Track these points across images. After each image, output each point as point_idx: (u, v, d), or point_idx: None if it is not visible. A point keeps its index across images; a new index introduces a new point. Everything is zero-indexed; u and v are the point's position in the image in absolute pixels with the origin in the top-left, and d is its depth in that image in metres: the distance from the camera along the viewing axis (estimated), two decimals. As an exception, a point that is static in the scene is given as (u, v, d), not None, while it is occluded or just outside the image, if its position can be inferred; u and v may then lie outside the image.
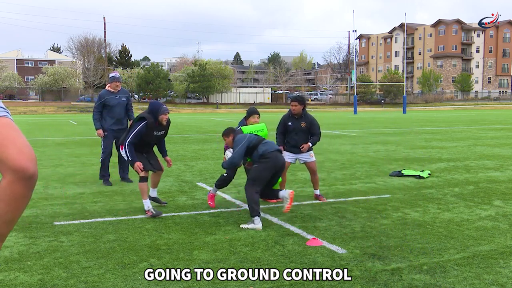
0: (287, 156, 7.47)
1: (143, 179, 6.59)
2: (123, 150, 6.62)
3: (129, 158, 6.53)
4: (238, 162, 6.33)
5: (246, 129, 6.87)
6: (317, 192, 7.62)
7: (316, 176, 7.61)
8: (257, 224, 5.86)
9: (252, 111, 7.48)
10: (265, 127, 7.02)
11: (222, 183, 7.02)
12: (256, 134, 6.53)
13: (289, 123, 7.46)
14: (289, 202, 5.98)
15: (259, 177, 6.04)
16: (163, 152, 7.26)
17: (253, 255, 4.91)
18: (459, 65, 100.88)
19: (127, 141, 6.55)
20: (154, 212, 6.45)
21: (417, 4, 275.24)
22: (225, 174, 6.98)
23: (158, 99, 69.01)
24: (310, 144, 7.39)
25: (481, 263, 4.65)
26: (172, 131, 23.26)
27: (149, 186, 7.06)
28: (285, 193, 6.07)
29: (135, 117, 7.14)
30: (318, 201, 7.45)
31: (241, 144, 6.22)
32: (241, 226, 5.93)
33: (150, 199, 6.90)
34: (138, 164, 6.48)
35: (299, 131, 7.40)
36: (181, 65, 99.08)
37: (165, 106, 6.84)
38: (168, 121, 6.94)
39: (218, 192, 8.12)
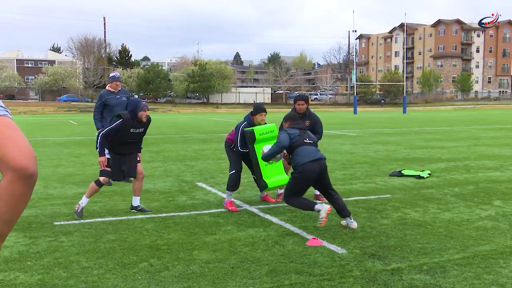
0: None
1: (99, 184, 6.41)
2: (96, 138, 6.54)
3: (97, 149, 6.39)
4: (277, 153, 6.14)
5: (257, 130, 6.77)
6: (317, 192, 7.56)
7: None
8: (322, 208, 5.61)
9: (258, 107, 7.14)
10: (275, 127, 6.94)
11: (233, 184, 6.87)
12: (298, 131, 6.20)
13: None
14: (324, 218, 5.68)
15: (294, 191, 5.87)
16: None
17: (253, 255, 4.91)
18: (459, 65, 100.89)
19: (102, 132, 6.40)
20: (78, 212, 6.36)
21: (417, 4, 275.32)
22: (231, 172, 6.89)
23: (158, 99, 69.10)
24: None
25: (481, 263, 4.65)
26: (172, 131, 23.25)
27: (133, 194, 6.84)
28: (321, 207, 5.69)
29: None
30: (318, 201, 7.43)
31: (282, 141, 6.04)
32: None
33: (132, 209, 6.76)
34: (102, 160, 6.38)
35: None
36: (181, 65, 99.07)
37: (144, 102, 6.71)
38: (149, 119, 6.71)
39: (218, 192, 8.12)
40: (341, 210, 5.87)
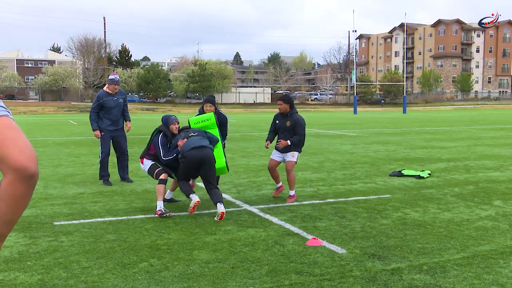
0: (275, 155, 7.72)
1: (162, 181, 6.73)
2: (143, 164, 7.05)
3: (177, 155, 6.84)
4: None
5: (192, 120, 7.20)
6: (291, 192, 7.53)
7: (290, 176, 7.51)
8: (194, 197, 6.41)
9: (206, 99, 7.67)
10: (212, 116, 7.23)
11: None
12: (182, 133, 6.93)
13: (277, 121, 7.66)
14: (192, 208, 6.51)
15: (182, 174, 6.66)
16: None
17: (253, 255, 4.91)
18: (459, 65, 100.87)
19: (163, 159, 6.87)
20: (163, 211, 6.51)
21: (417, 4, 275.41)
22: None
23: (158, 99, 69.10)
24: (288, 142, 7.40)
25: (481, 263, 4.65)
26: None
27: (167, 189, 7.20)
28: (194, 197, 6.47)
29: (153, 131, 7.25)
30: (318, 201, 7.45)
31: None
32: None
33: (164, 201, 7.01)
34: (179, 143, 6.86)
35: (284, 129, 7.52)
36: (181, 65, 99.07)
37: (173, 116, 7.19)
38: None
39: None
40: (214, 199, 6.43)
